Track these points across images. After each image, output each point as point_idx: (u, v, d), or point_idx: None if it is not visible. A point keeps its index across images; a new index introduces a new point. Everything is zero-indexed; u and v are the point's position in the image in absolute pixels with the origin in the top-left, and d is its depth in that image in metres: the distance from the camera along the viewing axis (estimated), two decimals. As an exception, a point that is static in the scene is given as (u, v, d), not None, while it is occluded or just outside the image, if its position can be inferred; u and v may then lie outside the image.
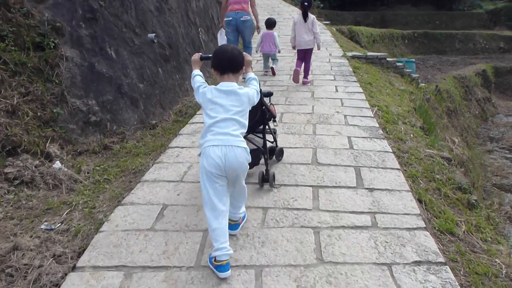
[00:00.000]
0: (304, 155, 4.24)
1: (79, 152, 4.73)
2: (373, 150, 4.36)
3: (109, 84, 5.27)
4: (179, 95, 7.03)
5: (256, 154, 3.64)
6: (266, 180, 3.61)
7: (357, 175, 3.80)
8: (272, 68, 8.05)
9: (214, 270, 2.58)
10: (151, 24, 6.61)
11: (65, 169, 4.29)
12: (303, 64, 7.25)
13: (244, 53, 2.86)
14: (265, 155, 3.66)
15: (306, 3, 7.07)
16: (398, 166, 4.02)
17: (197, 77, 2.92)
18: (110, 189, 3.98)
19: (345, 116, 5.46)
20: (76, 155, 4.67)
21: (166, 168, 4.11)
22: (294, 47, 7.37)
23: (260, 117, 3.58)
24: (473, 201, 4.05)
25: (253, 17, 7.38)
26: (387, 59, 9.97)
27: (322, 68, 8.25)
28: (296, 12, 16.49)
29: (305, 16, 7.09)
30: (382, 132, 4.97)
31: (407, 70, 10.56)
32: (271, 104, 3.79)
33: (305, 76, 7.25)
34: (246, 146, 2.63)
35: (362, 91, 6.70)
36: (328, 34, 12.54)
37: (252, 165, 3.66)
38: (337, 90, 6.69)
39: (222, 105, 2.60)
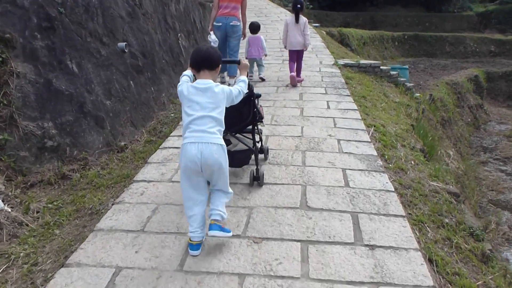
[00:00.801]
0: (292, 195, 3.62)
1: (31, 184, 4.08)
2: (373, 189, 3.75)
3: (69, 103, 4.59)
4: (154, 110, 6.36)
5: (247, 154, 3.90)
6: (257, 178, 3.77)
7: (354, 224, 3.19)
8: (261, 78, 7.72)
9: (189, 249, 2.84)
10: (122, 31, 5.93)
11: (8, 210, 3.63)
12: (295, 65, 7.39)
13: (241, 58, 3.22)
14: (256, 155, 3.83)
15: (298, 5, 7.18)
16: (402, 212, 3.41)
17: (184, 76, 2.99)
18: (60, 236, 3.34)
19: (338, 140, 4.85)
20: (27, 188, 4.02)
21: (127, 211, 3.45)
22: (285, 47, 7.51)
23: (252, 118, 3.74)
24: (488, 252, 3.48)
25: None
26: (381, 67, 9.41)
27: (312, 79, 7.63)
28: (285, 14, 15.90)
29: (297, 18, 7.19)
30: (381, 162, 4.37)
31: (402, 79, 10.02)
32: (260, 106, 3.95)
33: (298, 75, 7.43)
34: (222, 143, 2.74)
35: (356, 108, 6.10)
36: (319, 39, 11.93)
37: (242, 164, 3.99)
38: (329, 107, 6.08)
39: (198, 102, 2.72)
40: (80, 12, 5.09)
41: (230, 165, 3.03)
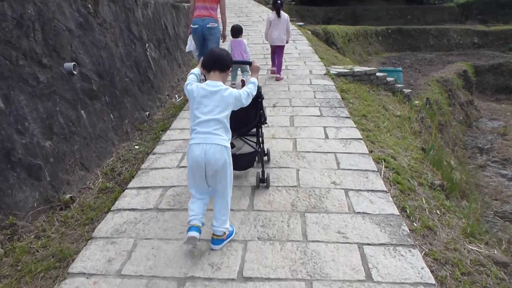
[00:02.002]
0: (293, 304, 2.44)
1: None
2: (406, 283, 2.59)
3: (-13, 153, 3.35)
4: (114, 143, 5.11)
5: (253, 156, 3.79)
6: (263, 180, 3.69)
7: None
8: (242, 80, 6.95)
9: (187, 232, 2.81)
10: (70, 48, 4.65)
11: None
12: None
13: (253, 60, 3.38)
14: (262, 156, 3.81)
15: (279, 2, 7.30)
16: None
17: (191, 75, 2.98)
18: None
19: (346, 192, 3.66)
20: None
21: None
22: (267, 41, 7.58)
23: (258, 120, 3.67)
24: None
25: (221, 25, 6.74)
26: (377, 74, 8.27)
27: (303, 95, 6.43)
28: (267, 13, 14.65)
29: (278, 14, 7.30)
30: (406, 227, 3.20)
31: (398, 86, 8.93)
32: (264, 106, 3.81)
33: (278, 72, 7.49)
34: (226, 144, 2.77)
35: (359, 135, 4.93)
36: (305, 41, 10.71)
37: (247, 167, 3.86)
38: (327, 136, 4.89)
39: (206, 105, 2.75)
40: (10, 28, 3.80)
41: (236, 168, 3.11)
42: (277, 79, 7.37)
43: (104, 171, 4.58)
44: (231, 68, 2.99)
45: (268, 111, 5.76)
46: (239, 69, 7.08)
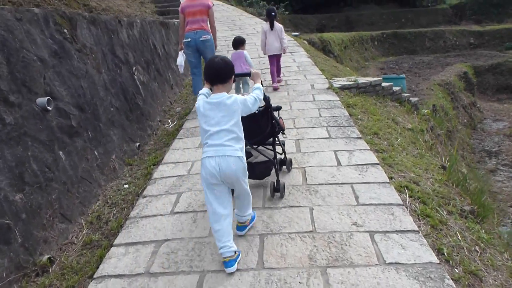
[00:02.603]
0: None
1: None
2: None
3: None
4: (100, 183, 4.51)
5: (267, 166, 3.74)
6: (277, 190, 3.63)
7: None
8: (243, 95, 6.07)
9: (224, 267, 2.76)
10: (43, 81, 4.08)
11: None
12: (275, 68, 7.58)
13: (251, 68, 3.69)
14: (276, 166, 3.70)
15: (273, 13, 7.48)
16: None
17: (200, 95, 2.93)
18: None
19: (371, 235, 3.06)
20: None
21: None
22: (264, 53, 7.64)
23: (271, 130, 3.65)
24: None
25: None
26: (382, 84, 7.71)
27: (307, 114, 5.85)
28: (260, 25, 14.16)
29: (272, 26, 7.39)
30: (452, 283, 2.59)
31: (405, 95, 8.37)
32: (280, 117, 3.82)
33: (278, 75, 7.74)
34: (240, 154, 2.73)
35: (375, 159, 4.34)
36: (303, 53, 10.16)
37: (263, 176, 3.83)
38: (339, 162, 4.30)
39: (213, 117, 2.72)
40: (-38, 65, 3.24)
41: (252, 177, 3.35)
42: (278, 81, 7.65)
43: (89, 220, 3.98)
44: (233, 77, 2.94)
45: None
46: (241, 81, 6.58)
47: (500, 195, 10.48)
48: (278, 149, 3.93)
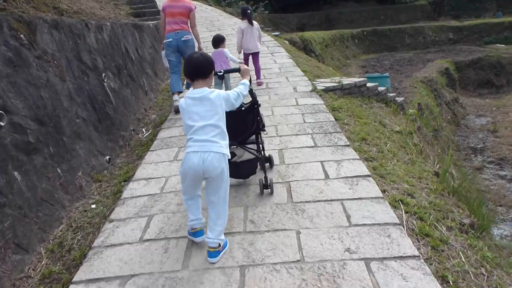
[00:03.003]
0: None
1: None
2: None
3: None
4: (64, 205, 4.05)
5: (253, 164, 3.73)
6: (267, 186, 3.57)
7: None
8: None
9: (192, 237, 3.00)
10: (-6, 93, 3.60)
11: None
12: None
13: (241, 64, 3.49)
14: (263, 163, 3.75)
15: (249, 11, 7.54)
16: None
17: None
18: None
19: (367, 264, 2.67)
20: None
21: None
22: (239, 52, 7.53)
23: (256, 127, 3.60)
24: None
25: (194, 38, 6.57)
26: (367, 85, 7.37)
27: (290, 120, 5.45)
28: (239, 24, 13.76)
29: (250, 22, 7.36)
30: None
31: (390, 95, 8.07)
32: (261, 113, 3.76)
33: (258, 77, 7.50)
34: (224, 152, 2.70)
35: (366, 170, 3.97)
36: (284, 53, 9.76)
37: (249, 174, 3.80)
38: (327, 175, 3.91)
39: (197, 112, 2.69)
40: None
41: (236, 176, 3.55)
42: (259, 84, 7.38)
43: (50, 248, 3.52)
44: (213, 72, 2.90)
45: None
46: (226, 79, 6.32)
47: (488, 193, 10.27)
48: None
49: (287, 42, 12.59)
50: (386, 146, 5.08)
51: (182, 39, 6.27)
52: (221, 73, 3.39)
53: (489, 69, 21.34)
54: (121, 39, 6.90)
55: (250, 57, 7.50)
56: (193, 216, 2.93)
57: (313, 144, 4.59)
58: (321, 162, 4.16)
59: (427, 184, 4.31)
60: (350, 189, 3.62)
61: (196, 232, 2.97)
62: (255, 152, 3.66)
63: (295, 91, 6.74)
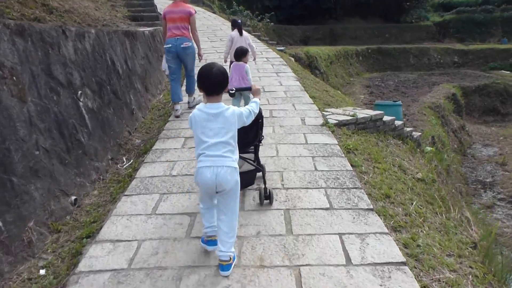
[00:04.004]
0: None
1: None
2: None
3: None
4: (2, 271, 3.04)
5: (253, 175, 3.84)
6: (268, 197, 3.59)
7: None
8: None
9: (205, 245, 2.98)
10: None
11: None
12: None
13: (252, 84, 3.83)
14: (264, 173, 3.73)
15: (239, 21, 7.59)
16: None
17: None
18: None
19: None
20: None
21: None
22: (225, 61, 7.27)
23: (257, 140, 3.68)
24: None
25: (195, 44, 6.48)
26: (383, 119, 6.43)
27: (299, 165, 4.45)
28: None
29: (241, 33, 7.23)
30: None
31: (407, 130, 7.13)
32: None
33: None
34: (236, 166, 2.73)
35: (399, 255, 2.99)
36: (290, 74, 8.77)
37: (248, 184, 3.86)
38: (349, 259, 2.91)
39: (211, 128, 2.68)
40: None
41: None
42: None
43: None
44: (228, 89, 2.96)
45: (251, 200, 3.78)
46: (242, 96, 5.88)
47: (502, 237, 9.33)
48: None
49: (292, 59, 11.67)
50: (412, 204, 4.12)
51: (182, 46, 6.15)
52: (233, 91, 3.32)
53: (496, 96, 20.53)
54: (107, 49, 5.90)
55: None
56: (208, 223, 2.94)
57: (328, 205, 3.61)
58: (340, 235, 3.18)
59: (470, 267, 3.34)
60: (381, 286, 2.64)
61: (211, 241, 2.95)
62: (254, 163, 3.72)
63: (304, 123, 5.76)
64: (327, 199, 3.71)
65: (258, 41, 12.74)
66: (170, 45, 6.19)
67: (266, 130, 5.45)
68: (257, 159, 3.75)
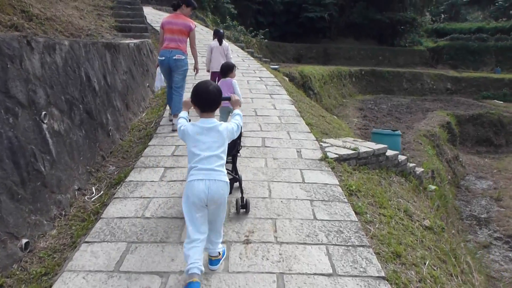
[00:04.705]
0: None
1: None
2: None
3: None
4: None
5: (230, 184, 3.48)
6: (244, 206, 3.67)
7: None
8: None
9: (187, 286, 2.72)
10: None
11: None
12: None
13: (232, 94, 3.44)
14: (241, 183, 3.85)
15: (221, 31, 7.76)
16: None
17: (181, 119, 2.92)
18: None
19: None
20: None
21: None
22: (208, 70, 7.49)
23: (235, 150, 3.82)
24: None
25: (191, 58, 6.42)
26: (386, 154, 5.88)
27: (295, 211, 3.82)
28: (235, 52, 12.31)
29: (220, 42, 7.41)
30: None
31: (410, 165, 6.60)
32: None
33: None
34: (227, 180, 2.78)
35: None
36: (285, 96, 8.20)
37: None
38: None
39: (204, 142, 2.75)
40: None
41: None
42: None
43: None
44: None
45: (237, 254, 3.14)
46: (226, 112, 5.53)
47: (500, 282, 8.79)
48: None
49: (287, 79, 11.14)
50: (425, 264, 3.53)
51: (174, 57, 5.97)
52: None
53: (489, 127, 20.31)
54: (82, 64, 5.26)
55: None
56: (190, 260, 2.68)
57: (331, 270, 2.99)
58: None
59: None
60: None
61: (192, 283, 2.62)
62: (232, 173, 3.79)
63: (300, 156, 5.16)
64: (329, 260, 3.09)
65: (252, 58, 12.21)
66: (163, 58, 6.07)
67: (258, 163, 4.86)
68: (234, 169, 3.86)
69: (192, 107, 2.92)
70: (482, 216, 12.49)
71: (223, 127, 2.79)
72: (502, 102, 24.47)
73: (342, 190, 4.33)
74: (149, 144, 5.47)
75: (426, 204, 5.91)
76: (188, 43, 6.25)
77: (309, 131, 6.17)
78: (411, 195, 5.79)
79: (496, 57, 30.81)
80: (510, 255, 10.09)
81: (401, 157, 6.27)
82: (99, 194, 4.47)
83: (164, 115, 6.69)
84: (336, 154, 5.25)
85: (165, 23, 6.14)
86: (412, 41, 35.45)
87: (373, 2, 32.61)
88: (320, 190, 4.24)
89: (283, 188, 4.23)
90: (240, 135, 3.68)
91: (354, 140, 6.12)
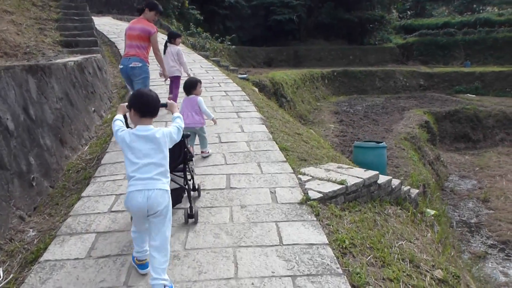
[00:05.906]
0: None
1: None
2: None
3: None
4: None
5: (178, 193, 3.79)
6: (192, 216, 3.59)
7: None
8: (204, 154, 5.18)
9: (137, 268, 2.90)
10: None
11: None
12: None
13: (169, 101, 3.29)
14: (189, 192, 3.70)
15: (174, 32, 7.63)
16: None
17: (117, 121, 2.83)
18: None
19: None
20: None
21: None
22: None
23: (183, 157, 3.66)
24: None
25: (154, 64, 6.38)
26: (378, 182, 4.82)
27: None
28: (199, 62, 11.14)
29: (165, 46, 7.02)
30: None
31: (404, 190, 5.58)
32: (190, 145, 3.95)
33: (174, 99, 6.87)
34: (167, 188, 2.70)
35: None
36: (254, 114, 7.00)
37: (174, 203, 3.65)
38: None
39: (141, 150, 2.65)
40: None
41: None
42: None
43: None
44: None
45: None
46: (196, 135, 5.20)
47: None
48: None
49: (256, 89, 9.99)
50: None
51: (130, 65, 5.71)
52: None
53: (466, 122, 19.73)
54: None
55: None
56: (139, 248, 2.87)
57: None
58: None
59: None
60: None
61: (142, 265, 2.88)
62: (180, 182, 3.67)
63: (275, 200, 4.01)
64: None
65: (217, 68, 11.01)
66: (122, 66, 5.87)
67: (220, 217, 3.70)
68: (185, 178, 3.72)
69: (128, 113, 2.76)
70: (472, 221, 11.66)
71: (161, 133, 2.71)
72: (474, 95, 24.05)
73: (333, 250, 3.22)
74: (82, 195, 4.22)
75: (429, 237, 4.87)
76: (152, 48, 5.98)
77: (284, 159, 5.03)
78: (411, 229, 4.74)
79: (465, 51, 30.51)
80: (507, 264, 9.22)
81: (395, 182, 5.23)
82: (7, 280, 3.22)
83: (107, 150, 5.43)
84: (320, 192, 4.14)
85: (126, 29, 5.91)
86: (381, 38, 34.93)
87: (341, 1, 31.89)
88: (304, 257, 3.10)
89: (254, 259, 3.06)
90: (185, 143, 3.59)
91: (338, 167, 5.02)
